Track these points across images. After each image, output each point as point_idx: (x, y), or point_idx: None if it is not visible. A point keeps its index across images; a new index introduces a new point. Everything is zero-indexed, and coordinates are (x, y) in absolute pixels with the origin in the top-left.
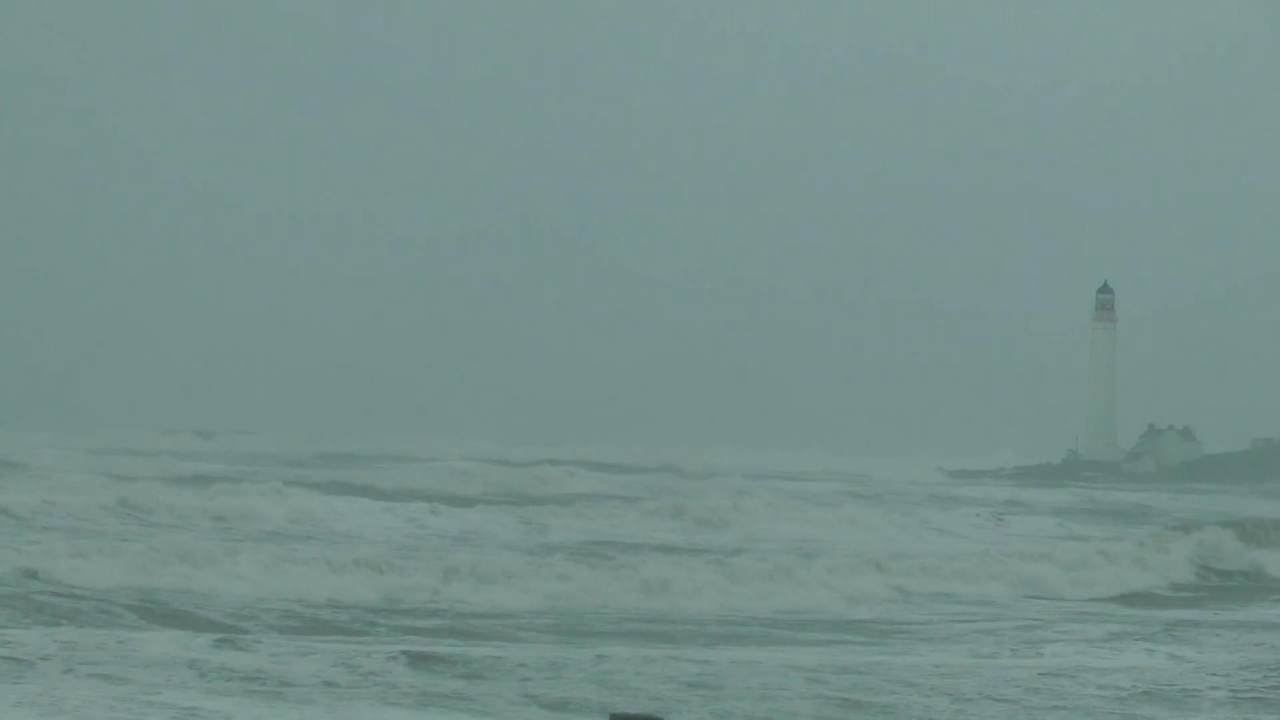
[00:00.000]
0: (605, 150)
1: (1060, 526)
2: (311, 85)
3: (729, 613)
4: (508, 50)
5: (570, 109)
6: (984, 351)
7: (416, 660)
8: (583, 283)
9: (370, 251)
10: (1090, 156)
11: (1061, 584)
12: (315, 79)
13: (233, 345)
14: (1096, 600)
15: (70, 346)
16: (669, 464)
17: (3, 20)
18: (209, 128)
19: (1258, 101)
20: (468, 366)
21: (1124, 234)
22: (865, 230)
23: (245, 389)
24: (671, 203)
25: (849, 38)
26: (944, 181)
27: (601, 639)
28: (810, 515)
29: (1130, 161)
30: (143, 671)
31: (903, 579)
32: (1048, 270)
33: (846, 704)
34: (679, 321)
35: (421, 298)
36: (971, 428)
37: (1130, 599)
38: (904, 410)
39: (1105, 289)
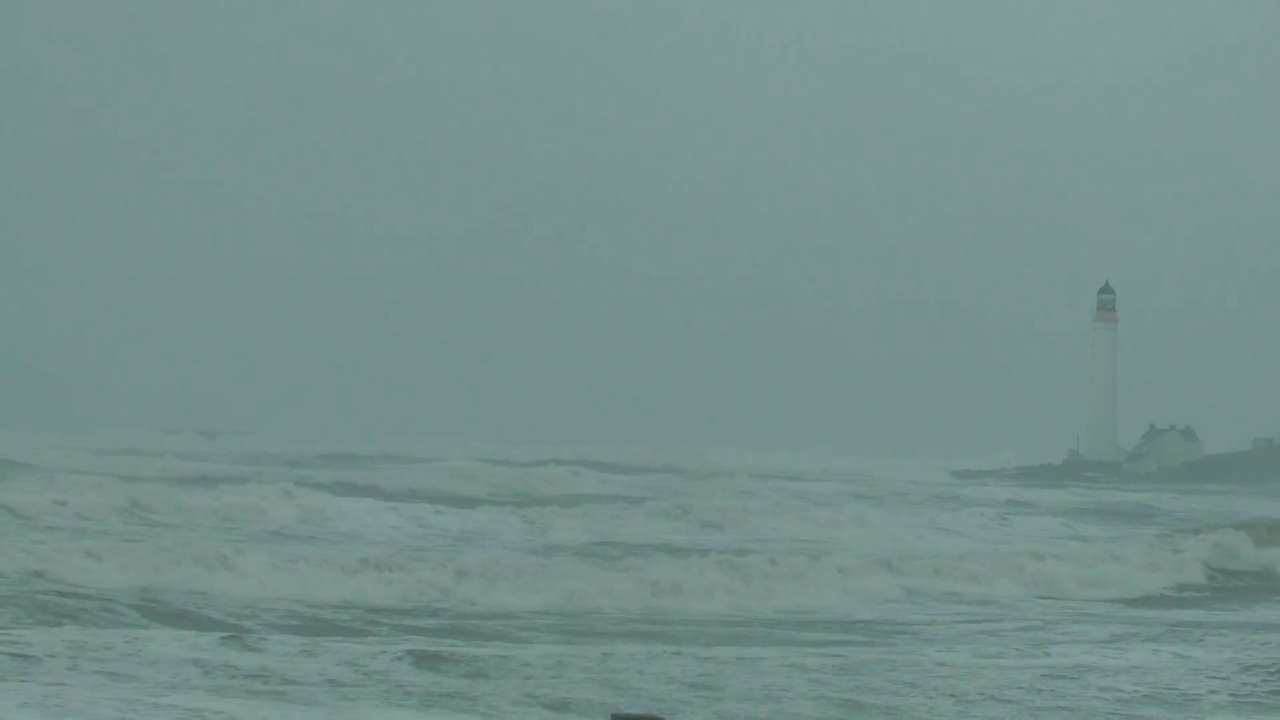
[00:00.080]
0: (607, 150)
1: (1065, 526)
2: (311, 85)
3: (733, 613)
4: (508, 50)
5: (571, 109)
6: (985, 351)
7: (421, 660)
8: (584, 282)
9: (371, 251)
10: (1091, 156)
11: (1070, 584)
12: (315, 79)
13: (233, 345)
14: (1104, 601)
15: (71, 346)
16: (671, 464)
17: (5, 21)
18: (209, 128)
19: (1259, 101)
20: (469, 366)
21: (1125, 234)
22: (866, 230)
23: (246, 389)
24: (673, 202)
25: (850, 38)
26: (945, 181)
27: (605, 639)
28: (816, 516)
29: (1131, 161)
30: (150, 672)
31: (909, 579)
32: (1049, 270)
33: (849, 705)
34: (680, 321)
35: (422, 297)
36: (972, 428)
37: (1140, 600)
38: (905, 410)
39: (1106, 289)
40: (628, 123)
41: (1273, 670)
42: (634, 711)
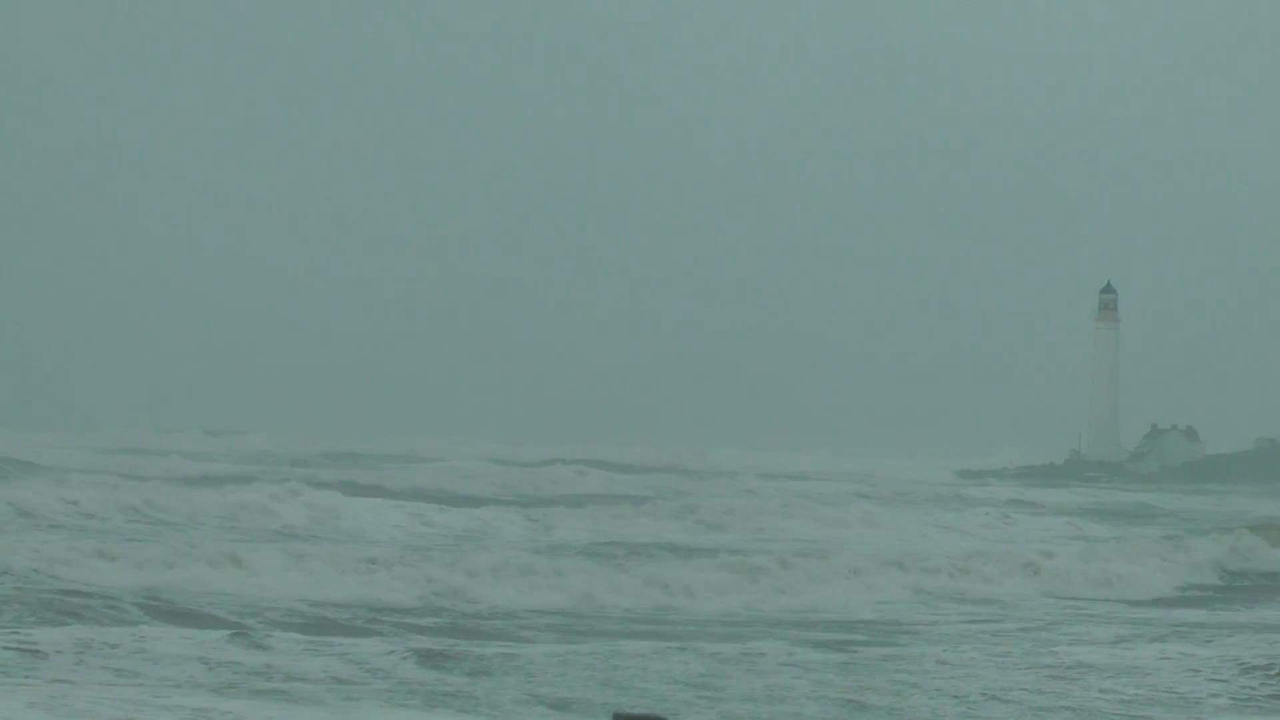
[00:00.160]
0: (608, 150)
1: (1070, 526)
2: (312, 85)
3: (738, 613)
4: (508, 50)
5: (572, 109)
6: (986, 351)
7: (426, 659)
8: (585, 282)
9: (373, 251)
10: (1092, 156)
11: (1080, 585)
12: (316, 79)
13: (235, 344)
14: (1113, 601)
15: (72, 346)
16: (673, 464)
17: (5, 21)
18: (211, 128)
19: (1259, 100)
20: (470, 366)
21: (1127, 234)
22: (867, 230)
23: (247, 388)
24: (674, 202)
25: (850, 38)
26: (946, 181)
27: (609, 639)
28: (823, 515)
29: (1132, 161)
30: (157, 671)
31: (916, 579)
32: (1050, 270)
33: (852, 705)
34: (681, 321)
35: (424, 297)
36: (974, 428)
37: (1151, 601)
38: (906, 410)
39: (1108, 289)
40: (628, 122)
41: (1272, 673)
42: (637, 711)
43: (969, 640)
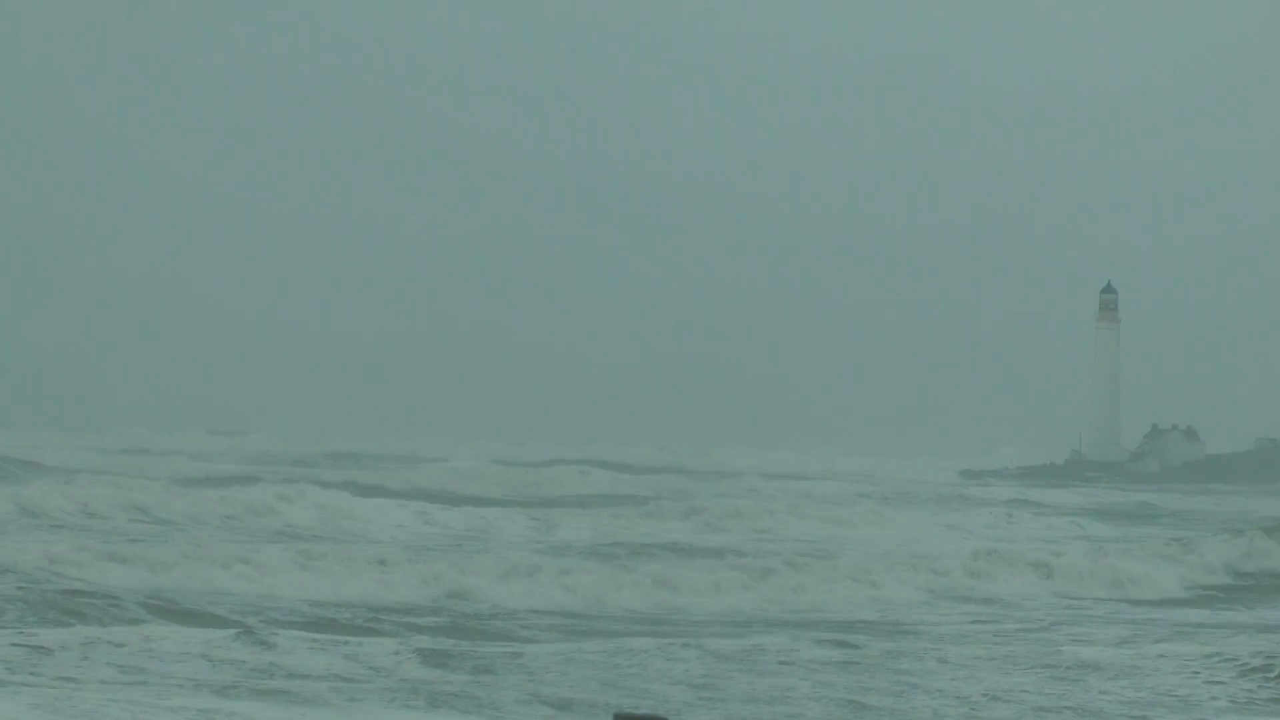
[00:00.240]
0: (612, 151)
1: (1075, 525)
2: (319, 86)
3: (741, 613)
4: (515, 51)
5: (578, 109)
6: (987, 351)
7: (429, 658)
8: (589, 282)
9: (376, 251)
10: (1094, 157)
11: (1089, 585)
12: (322, 80)
13: (237, 344)
14: (1122, 601)
15: (74, 346)
16: (677, 464)
17: (10, 22)
18: (217, 129)
19: (1261, 101)
20: (473, 366)
21: (1127, 234)
22: (868, 230)
23: (249, 388)
24: (677, 202)
25: (854, 39)
26: (947, 181)
27: (611, 638)
28: (830, 515)
29: (1134, 161)
30: (163, 671)
31: (924, 579)
32: (1051, 270)
33: (854, 705)
34: (684, 321)
35: (427, 297)
36: (975, 428)
37: (1159, 601)
38: (908, 410)
39: (1109, 289)
40: (633, 123)
41: (1271, 675)
42: (637, 711)
43: (972, 640)
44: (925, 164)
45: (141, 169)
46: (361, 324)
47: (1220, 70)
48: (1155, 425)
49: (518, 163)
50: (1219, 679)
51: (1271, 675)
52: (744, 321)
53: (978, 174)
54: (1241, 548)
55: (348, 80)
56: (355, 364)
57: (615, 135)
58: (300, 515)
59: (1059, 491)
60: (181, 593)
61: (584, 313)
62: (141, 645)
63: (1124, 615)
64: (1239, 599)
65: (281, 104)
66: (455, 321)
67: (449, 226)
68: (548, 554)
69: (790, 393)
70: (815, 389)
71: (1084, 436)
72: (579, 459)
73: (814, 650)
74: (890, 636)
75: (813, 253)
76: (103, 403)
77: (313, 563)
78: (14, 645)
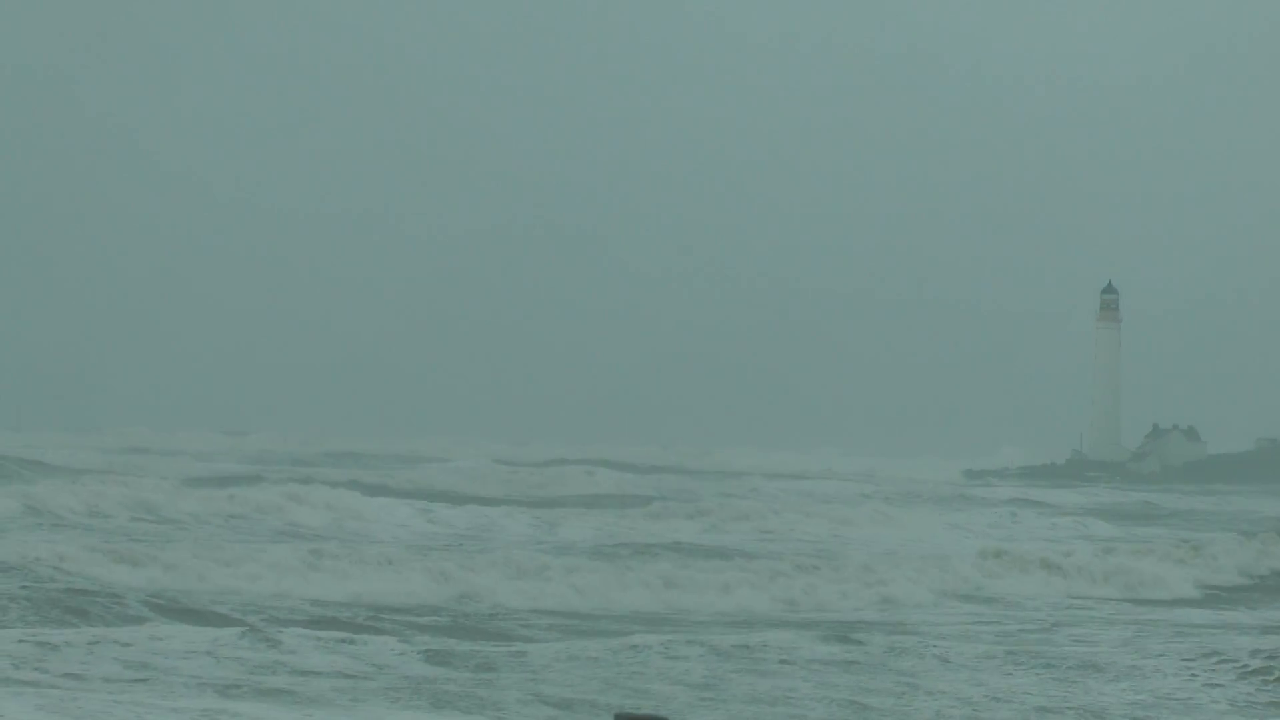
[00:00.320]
0: (618, 149)
1: (1080, 525)
2: (320, 84)
3: (745, 614)
4: (516, 48)
5: (585, 108)
6: (988, 351)
7: (433, 658)
8: (591, 282)
9: (379, 250)
10: (1095, 156)
11: (1100, 586)
12: (329, 80)
13: (239, 344)
14: (1132, 602)
15: (76, 346)
16: (680, 464)
17: (15, 21)
18: (223, 129)
19: (1263, 101)
20: (475, 366)
21: (1129, 234)
22: (870, 229)
23: (251, 388)
24: (679, 202)
25: (856, 36)
26: (949, 180)
27: (616, 639)
28: (834, 515)
29: (1135, 161)
30: (169, 670)
31: (932, 578)
32: (1052, 270)
33: (855, 706)
34: (686, 321)
35: (428, 297)
36: (976, 427)
37: (1169, 601)
38: (909, 410)
39: (1110, 289)
40: (636, 122)
41: (1271, 678)
42: (639, 711)
43: (976, 640)
44: (926, 163)
45: (143, 168)
46: (363, 323)
47: (1220, 70)
48: (1156, 425)
49: (520, 162)
50: (1219, 681)
51: (1271, 678)
52: (745, 321)
53: (979, 173)
54: (1254, 549)
55: (351, 79)
56: (357, 363)
57: (618, 134)
58: (308, 515)
59: (1061, 491)
60: (189, 592)
61: (586, 312)
62: (148, 644)
63: (1127, 616)
64: (1252, 601)
65: (285, 103)
66: (456, 320)
67: (451, 225)
68: (553, 554)
69: (790, 392)
70: (815, 388)
71: (1085, 436)
72: (581, 459)
73: (817, 650)
74: (895, 637)
75: (814, 252)
76: (103, 402)
77: (321, 562)
78: (20, 643)
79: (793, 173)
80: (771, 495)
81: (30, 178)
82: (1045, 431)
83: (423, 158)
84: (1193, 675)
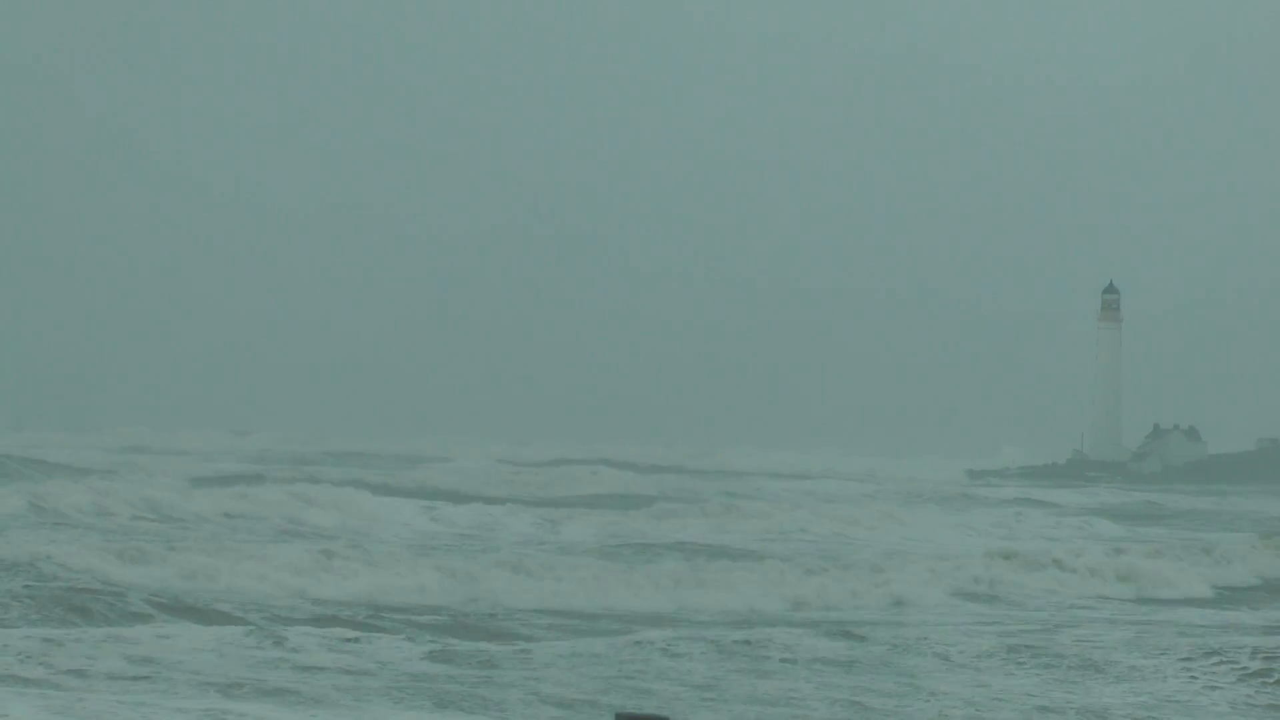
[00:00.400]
0: (617, 149)
1: (1085, 525)
2: (322, 83)
3: (753, 612)
4: (520, 49)
5: (584, 108)
6: (989, 351)
7: (436, 657)
8: (593, 281)
9: (381, 250)
10: (1097, 156)
11: (1112, 586)
12: (330, 79)
13: (241, 344)
14: (1137, 602)
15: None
16: (683, 463)
17: (15, 21)
18: (224, 128)
19: (1264, 101)
20: (477, 365)
21: (1130, 234)
22: (871, 228)
23: (250, 387)
24: (681, 201)
25: (858, 36)
26: (950, 180)
27: (617, 637)
28: (840, 514)
29: (1136, 161)
30: (173, 670)
31: (939, 578)
32: (1053, 270)
33: (856, 706)
34: (688, 320)
35: (430, 296)
36: (976, 427)
37: (1177, 602)
38: (908, 409)
39: (1111, 289)
40: (639, 122)
41: (1270, 680)
42: (640, 711)
43: (980, 640)
44: (928, 163)
45: (143, 167)
46: (364, 323)
47: (1221, 70)
48: (1157, 425)
49: (523, 161)
50: (1219, 684)
51: (1270, 680)
52: (745, 320)
53: (980, 173)
54: (1269, 550)
55: (353, 78)
56: (358, 363)
57: (618, 134)
58: (316, 514)
59: (1063, 491)
60: (195, 591)
61: (587, 312)
62: (154, 644)
63: (1131, 616)
64: (1265, 601)
65: (286, 102)
66: (457, 320)
67: (453, 225)
68: (558, 553)
69: (791, 392)
70: (816, 388)
71: (1086, 436)
72: (583, 458)
73: (821, 650)
74: (899, 636)
75: (814, 251)
76: (103, 402)
77: (328, 561)
78: (25, 641)
79: (793, 172)
80: (776, 495)
81: (30, 178)
82: (1046, 431)
83: (423, 158)
84: (1191, 677)
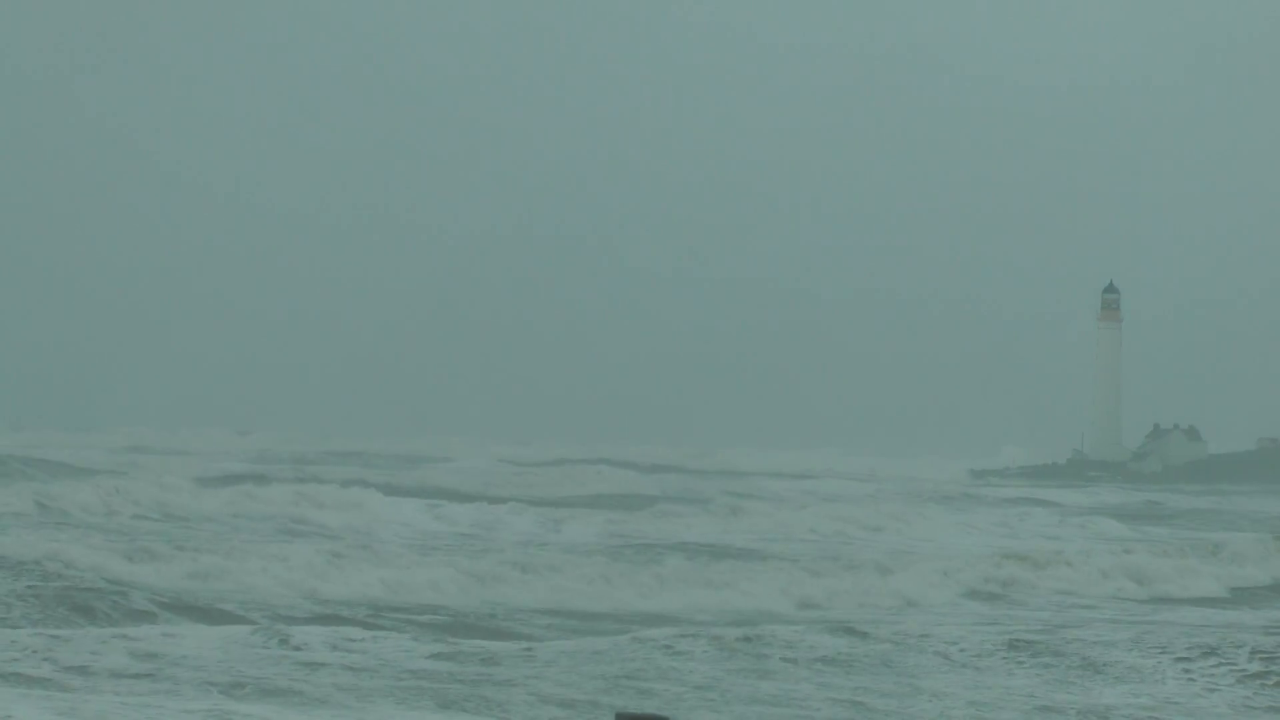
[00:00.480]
0: (620, 150)
1: (1088, 524)
2: (329, 86)
3: (754, 613)
4: (522, 49)
5: (586, 109)
6: (989, 351)
7: (438, 657)
8: (594, 281)
9: (383, 250)
10: (1097, 155)
11: (1124, 586)
12: (332, 79)
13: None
14: (1132, 602)
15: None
16: (684, 463)
17: (15, 21)
18: (226, 128)
19: (1264, 101)
20: (478, 365)
21: (1130, 234)
22: (871, 228)
23: (251, 387)
24: (683, 202)
25: (858, 36)
26: (950, 179)
27: (619, 636)
28: (844, 514)
29: (1137, 160)
30: (180, 671)
31: (944, 578)
32: (1054, 270)
33: (856, 706)
34: (689, 320)
35: (432, 296)
36: (976, 427)
37: (1183, 601)
38: (909, 409)
39: (1111, 289)
40: (640, 122)
41: (1270, 682)
42: (640, 711)
43: (982, 639)
44: (928, 163)
45: (144, 167)
46: (366, 323)
47: (1221, 70)
48: (1157, 425)
49: (524, 162)
50: (1218, 685)
51: (1270, 682)
52: (745, 321)
53: (980, 173)
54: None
55: (355, 78)
56: (359, 363)
57: (618, 134)
58: (323, 514)
59: (1065, 491)
60: (201, 591)
61: (588, 312)
62: (159, 643)
63: (1133, 616)
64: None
65: (287, 102)
66: (459, 320)
67: (456, 225)
68: (563, 552)
69: (791, 392)
70: (816, 388)
71: (1086, 436)
72: (584, 458)
73: (823, 650)
74: (903, 636)
75: (814, 251)
76: (103, 402)
77: (335, 560)
78: (31, 639)
79: (793, 173)
80: (777, 495)
81: (30, 178)
82: (1046, 431)
83: (423, 158)
84: (1191, 679)
